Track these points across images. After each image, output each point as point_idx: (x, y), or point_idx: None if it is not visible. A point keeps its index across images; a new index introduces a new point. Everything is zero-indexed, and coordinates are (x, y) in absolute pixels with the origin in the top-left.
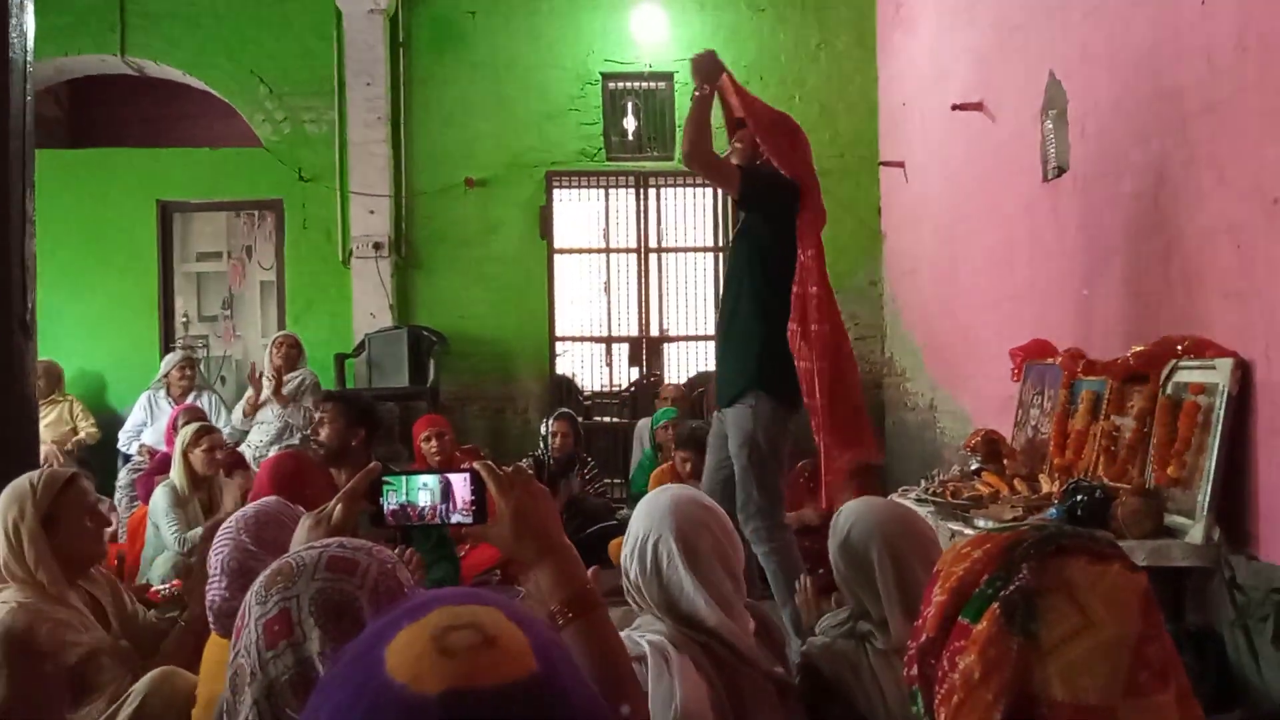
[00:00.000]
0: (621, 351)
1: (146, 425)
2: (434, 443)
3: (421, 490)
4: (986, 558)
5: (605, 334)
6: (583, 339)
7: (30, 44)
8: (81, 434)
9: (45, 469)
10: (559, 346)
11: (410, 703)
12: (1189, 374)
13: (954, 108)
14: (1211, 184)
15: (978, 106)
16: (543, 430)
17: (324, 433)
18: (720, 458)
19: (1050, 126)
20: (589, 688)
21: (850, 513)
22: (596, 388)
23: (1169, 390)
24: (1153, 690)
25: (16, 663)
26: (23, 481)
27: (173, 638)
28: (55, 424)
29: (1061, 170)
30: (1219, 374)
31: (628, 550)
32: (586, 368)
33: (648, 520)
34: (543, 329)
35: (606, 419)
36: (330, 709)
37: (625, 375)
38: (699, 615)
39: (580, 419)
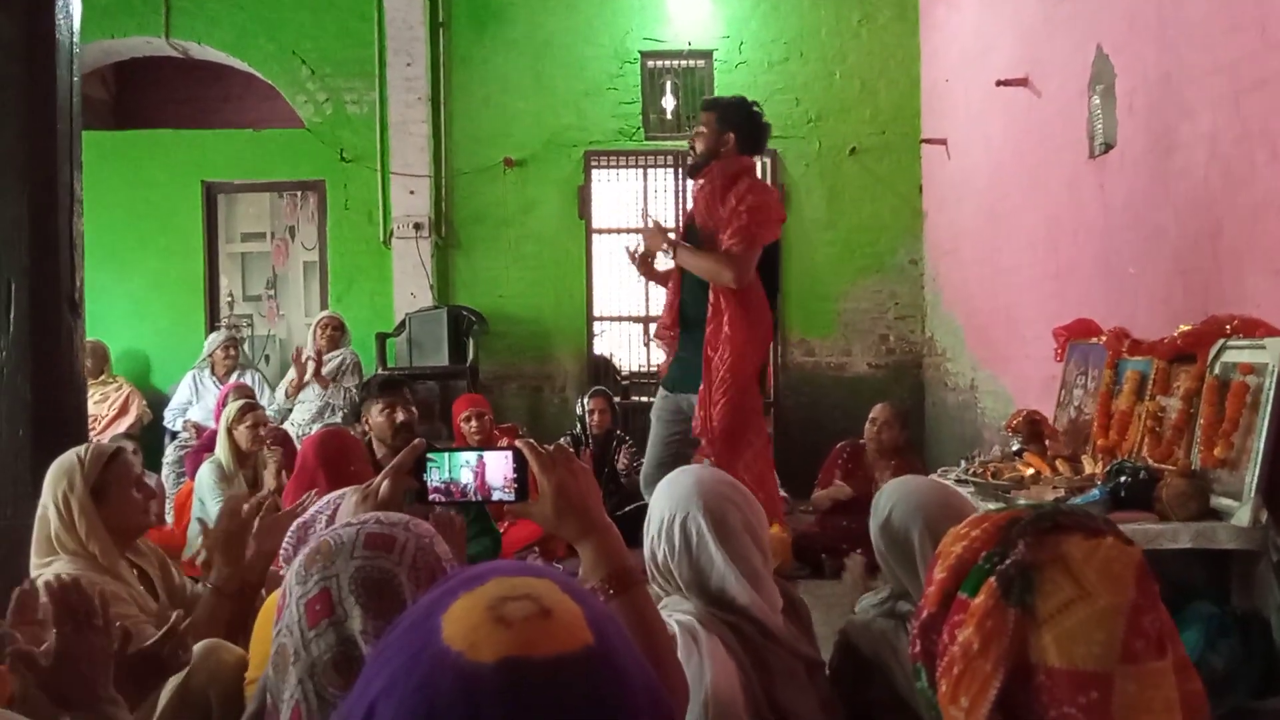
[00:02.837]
0: None
1: (192, 403)
2: (474, 423)
3: (464, 468)
4: (984, 535)
5: (643, 314)
6: (621, 319)
7: (77, 26)
8: (137, 415)
9: (91, 443)
10: (597, 326)
11: (466, 670)
12: (1238, 354)
13: (998, 83)
14: (1264, 160)
15: (1022, 82)
16: (579, 409)
17: (401, 418)
18: (670, 431)
19: (1097, 102)
20: (642, 661)
21: (891, 493)
22: (634, 367)
23: (1217, 370)
24: (1148, 657)
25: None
26: (70, 455)
27: (203, 604)
28: (104, 406)
29: (1108, 147)
30: (1269, 354)
31: (654, 531)
32: (624, 348)
33: (672, 500)
34: (580, 309)
35: (644, 399)
36: (387, 676)
37: (663, 355)
38: (729, 593)
39: (618, 399)
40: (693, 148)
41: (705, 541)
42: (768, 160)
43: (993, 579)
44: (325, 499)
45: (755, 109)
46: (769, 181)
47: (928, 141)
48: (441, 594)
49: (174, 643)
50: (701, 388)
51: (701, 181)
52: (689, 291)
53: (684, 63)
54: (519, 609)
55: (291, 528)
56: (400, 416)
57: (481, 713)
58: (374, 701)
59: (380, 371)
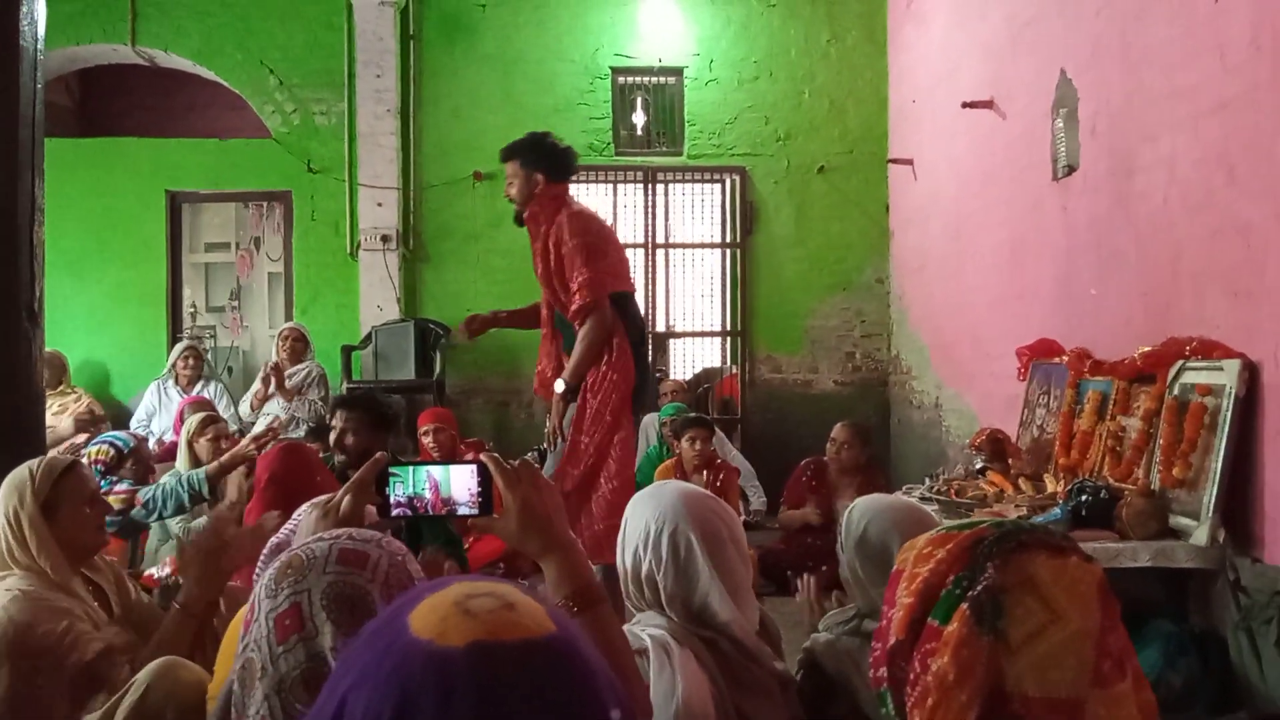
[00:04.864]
0: None
1: (155, 413)
2: (431, 437)
3: (427, 482)
4: (950, 557)
5: None
6: None
7: (41, 32)
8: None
9: (44, 457)
10: None
11: (437, 655)
12: (1196, 375)
13: (964, 105)
14: (1222, 183)
15: (988, 104)
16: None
17: (349, 441)
18: None
19: (1060, 125)
20: (599, 656)
21: (865, 510)
22: None
23: (1176, 391)
24: (1114, 679)
25: (17, 658)
26: (22, 470)
27: (169, 622)
28: (62, 416)
29: (1071, 169)
30: (1226, 375)
31: (637, 543)
32: None
33: (656, 512)
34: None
35: None
36: (356, 671)
37: None
38: (711, 607)
39: None
40: (509, 199)
41: (694, 554)
42: (736, 178)
43: (965, 606)
44: (296, 514)
45: (550, 139)
46: (737, 200)
47: (895, 161)
48: (406, 600)
49: (109, 659)
50: (574, 423)
51: (536, 242)
52: (569, 343)
53: (655, 79)
54: (484, 603)
55: (266, 548)
56: (350, 440)
57: (454, 694)
58: (345, 695)
59: (346, 386)
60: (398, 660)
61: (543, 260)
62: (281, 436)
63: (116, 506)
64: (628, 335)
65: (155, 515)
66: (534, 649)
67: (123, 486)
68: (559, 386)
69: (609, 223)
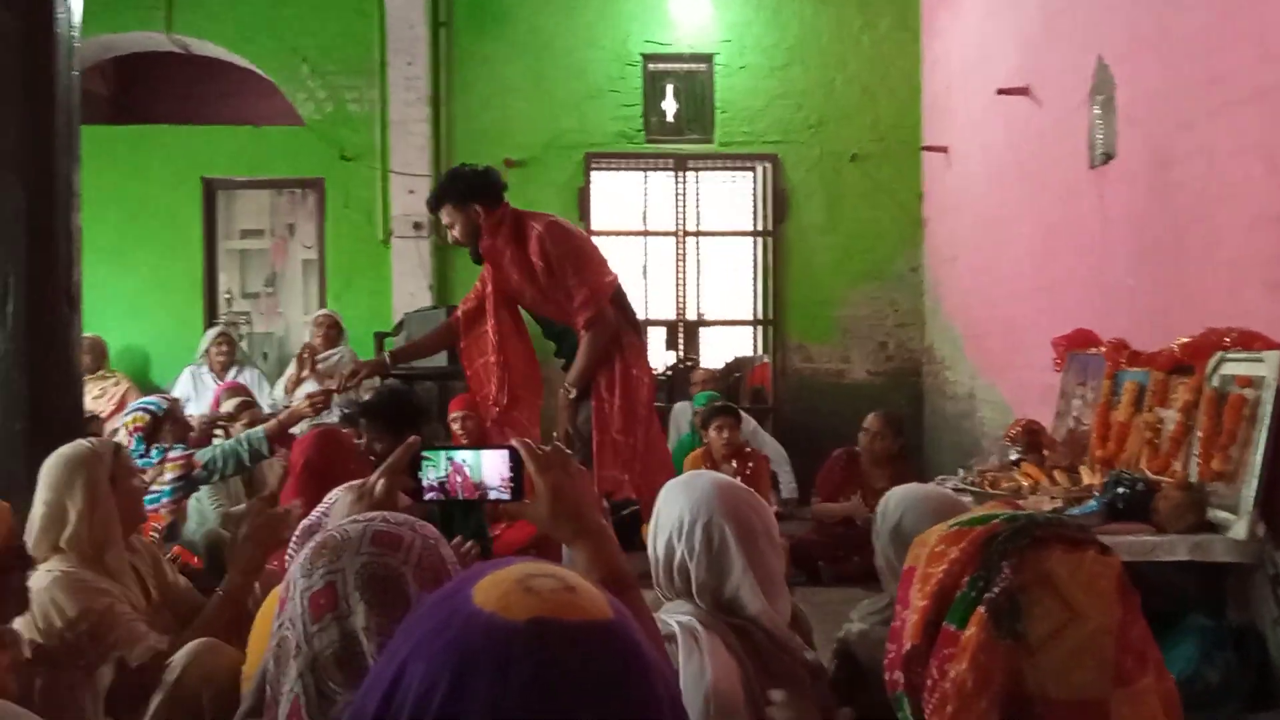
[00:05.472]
0: (658, 335)
1: (191, 399)
2: (460, 424)
3: (460, 466)
4: (964, 557)
5: (642, 317)
6: None
7: (77, 20)
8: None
9: (95, 437)
10: None
11: (498, 627)
12: (1235, 366)
13: (999, 92)
14: (1262, 172)
15: (1023, 91)
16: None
17: (376, 449)
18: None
19: (1098, 112)
20: (653, 646)
21: (900, 500)
22: None
23: (1214, 382)
24: (1136, 676)
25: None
26: (82, 448)
27: (211, 606)
28: (102, 401)
29: (1109, 157)
30: (1266, 366)
31: (670, 534)
32: None
33: (690, 503)
34: None
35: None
36: (415, 639)
37: (662, 359)
38: (741, 599)
39: None
40: (457, 244)
41: (727, 546)
42: (768, 165)
43: (982, 608)
44: (327, 498)
45: (467, 169)
46: (769, 188)
47: (928, 149)
48: (468, 575)
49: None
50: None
51: (511, 267)
52: (565, 349)
53: (685, 66)
54: (546, 583)
55: (297, 532)
56: (377, 447)
57: (511, 666)
58: (404, 662)
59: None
60: (458, 631)
61: (528, 279)
62: (314, 422)
63: (175, 473)
64: (635, 329)
65: (217, 475)
66: (592, 631)
67: (176, 453)
68: (569, 391)
69: (639, 210)
